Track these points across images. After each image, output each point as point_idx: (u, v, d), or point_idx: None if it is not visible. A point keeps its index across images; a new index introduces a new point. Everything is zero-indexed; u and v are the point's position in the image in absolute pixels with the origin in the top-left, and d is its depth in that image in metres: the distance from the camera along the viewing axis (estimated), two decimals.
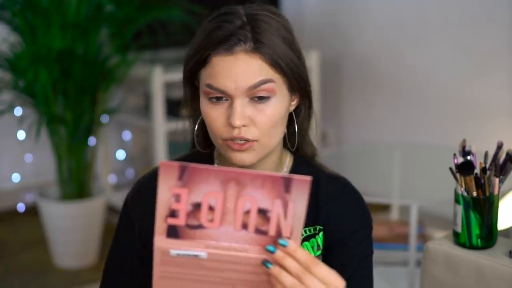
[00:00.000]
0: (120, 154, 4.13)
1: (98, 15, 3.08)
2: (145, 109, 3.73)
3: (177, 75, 3.44)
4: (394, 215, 3.27)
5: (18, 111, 3.37)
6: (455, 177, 1.47)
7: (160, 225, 1.01)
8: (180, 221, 1.00)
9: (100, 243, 3.28)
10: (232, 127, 1.20)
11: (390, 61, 3.91)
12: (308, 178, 0.99)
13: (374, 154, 3.36)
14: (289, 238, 1.02)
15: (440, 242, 1.52)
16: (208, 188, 0.99)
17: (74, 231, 3.17)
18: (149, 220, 1.29)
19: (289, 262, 1.02)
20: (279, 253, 1.02)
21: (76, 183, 3.18)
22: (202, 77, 1.23)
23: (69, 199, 3.19)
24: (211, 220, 1.01)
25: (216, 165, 1.34)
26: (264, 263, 1.03)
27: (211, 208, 1.00)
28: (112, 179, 3.96)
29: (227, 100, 1.21)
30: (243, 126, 1.20)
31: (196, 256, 1.02)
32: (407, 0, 3.83)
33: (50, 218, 3.18)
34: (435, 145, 3.40)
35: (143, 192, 1.32)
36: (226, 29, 1.20)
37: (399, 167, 3.10)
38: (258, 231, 1.02)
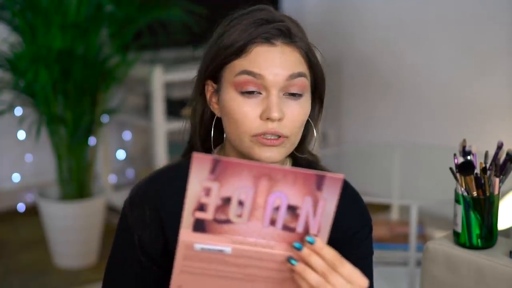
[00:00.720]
0: (120, 154, 4.13)
1: (98, 15, 3.08)
2: (145, 109, 3.72)
3: (177, 75, 3.45)
4: (394, 215, 3.27)
5: (18, 111, 3.37)
6: (455, 177, 1.47)
7: (187, 219, 0.99)
8: (208, 215, 0.99)
9: (100, 243, 3.28)
10: (269, 120, 1.19)
11: (390, 61, 3.91)
12: (341, 176, 0.99)
13: (374, 154, 3.36)
14: (316, 235, 1.02)
15: (440, 242, 1.52)
16: (239, 183, 0.98)
17: (74, 231, 3.17)
18: (148, 225, 1.28)
19: (315, 260, 1.02)
20: (305, 251, 1.02)
21: (76, 183, 3.18)
22: (236, 66, 1.21)
23: (69, 199, 3.19)
24: (240, 215, 1.00)
25: (250, 161, 1.32)
26: (289, 260, 1.02)
27: (240, 203, 1.00)
28: (112, 179, 3.96)
29: (260, 94, 1.20)
30: (278, 120, 1.19)
31: (220, 251, 1.01)
32: (408, 0, 3.83)
33: (50, 218, 3.18)
34: (435, 145, 3.40)
35: (141, 196, 1.30)
36: (265, 21, 1.22)
37: (399, 167, 3.10)
38: (286, 227, 1.01)
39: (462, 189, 1.46)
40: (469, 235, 1.47)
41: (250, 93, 1.20)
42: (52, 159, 3.38)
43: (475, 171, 1.45)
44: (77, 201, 3.17)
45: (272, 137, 1.20)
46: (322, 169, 1.36)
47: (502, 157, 1.46)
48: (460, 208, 1.47)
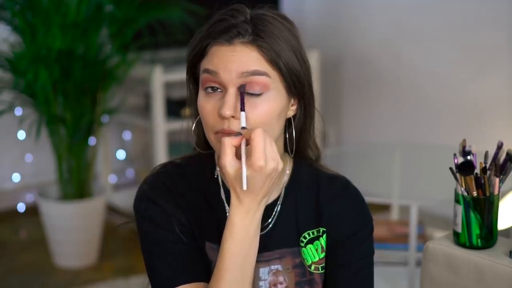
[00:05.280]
0: (120, 154, 4.13)
1: (98, 15, 3.08)
2: (145, 109, 3.72)
3: (177, 75, 3.45)
4: (394, 215, 3.27)
5: (18, 111, 3.37)
6: (455, 177, 1.47)
7: None
8: None
9: (100, 243, 3.28)
10: (222, 118, 1.20)
11: (390, 61, 3.91)
12: None
13: (374, 154, 3.36)
14: None
15: (440, 242, 1.52)
16: None
17: (74, 231, 3.17)
18: (177, 208, 1.31)
19: None
20: None
21: (76, 183, 3.18)
22: (201, 66, 1.25)
23: (69, 199, 3.19)
24: None
25: (217, 168, 1.34)
26: None
27: None
28: (112, 179, 3.96)
29: (221, 91, 1.22)
30: (233, 117, 1.20)
31: None
32: (407, 0, 3.82)
33: (50, 218, 3.18)
34: (435, 145, 3.40)
35: (161, 185, 1.33)
36: (228, 22, 1.23)
37: (399, 167, 3.10)
38: None
39: (462, 189, 1.46)
40: (469, 235, 1.47)
41: (213, 90, 1.23)
42: (52, 159, 3.38)
43: (475, 171, 1.45)
44: (77, 201, 3.17)
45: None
46: (318, 167, 1.36)
47: (502, 157, 1.46)
48: (460, 208, 1.47)
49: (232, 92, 1.20)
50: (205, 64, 1.24)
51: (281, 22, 1.25)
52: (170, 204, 1.31)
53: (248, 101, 1.21)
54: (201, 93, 1.25)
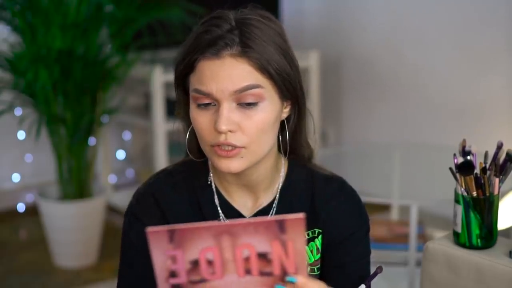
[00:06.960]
0: (120, 154, 4.13)
1: (98, 15, 3.08)
2: (145, 109, 3.72)
3: None
4: (394, 215, 3.27)
5: (18, 111, 3.37)
6: (455, 177, 1.47)
7: (163, 287, 1.02)
8: (181, 279, 1.01)
9: (100, 243, 3.28)
10: (219, 132, 1.18)
11: (390, 61, 3.91)
12: (301, 215, 1.00)
13: (374, 154, 3.36)
14: (295, 273, 1.03)
15: (440, 242, 1.52)
16: (202, 244, 1.00)
17: (74, 231, 3.17)
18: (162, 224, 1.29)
19: None
20: None
21: (76, 183, 3.18)
22: (191, 82, 1.22)
23: (69, 199, 3.19)
24: (213, 273, 1.01)
25: (211, 174, 1.33)
26: None
27: (210, 262, 1.01)
28: (112, 179, 3.96)
29: (215, 105, 1.20)
30: (230, 131, 1.18)
31: None
32: (407, 0, 3.83)
33: (50, 218, 3.18)
34: (435, 145, 3.40)
35: (148, 199, 1.32)
36: (214, 33, 1.19)
37: (399, 167, 3.10)
38: (263, 273, 1.02)
39: (462, 189, 1.46)
40: (469, 235, 1.47)
41: (206, 105, 1.20)
42: (52, 159, 3.38)
43: (475, 171, 1.45)
44: (77, 201, 3.17)
45: (227, 148, 1.19)
46: (313, 168, 1.35)
47: (502, 157, 1.46)
48: (460, 208, 1.47)
49: (226, 106, 1.18)
50: (195, 82, 1.20)
51: (267, 24, 1.21)
52: (153, 220, 1.30)
53: (243, 112, 1.19)
54: (193, 107, 1.22)
